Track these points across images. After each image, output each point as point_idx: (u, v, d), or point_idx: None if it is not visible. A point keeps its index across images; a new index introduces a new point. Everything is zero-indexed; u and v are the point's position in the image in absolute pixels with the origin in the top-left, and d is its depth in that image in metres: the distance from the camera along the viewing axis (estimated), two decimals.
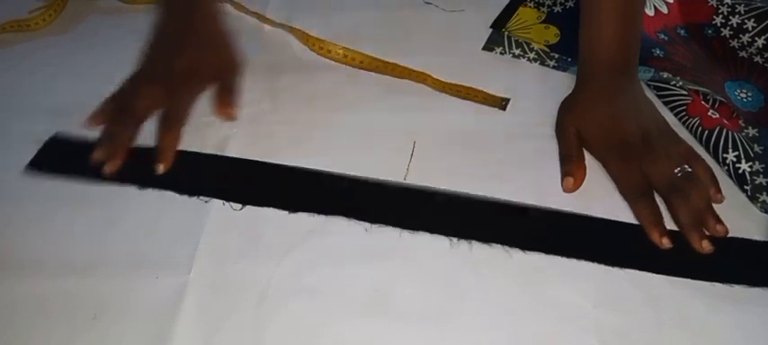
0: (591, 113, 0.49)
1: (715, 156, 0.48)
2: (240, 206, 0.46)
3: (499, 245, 0.43)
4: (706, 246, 0.43)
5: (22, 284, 0.42)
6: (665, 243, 0.43)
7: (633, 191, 0.46)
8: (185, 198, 0.47)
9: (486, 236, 0.44)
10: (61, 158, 0.50)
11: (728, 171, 0.47)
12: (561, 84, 0.56)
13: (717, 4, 0.58)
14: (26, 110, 0.55)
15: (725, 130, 0.48)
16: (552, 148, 0.50)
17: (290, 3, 0.67)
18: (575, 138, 0.49)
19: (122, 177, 0.48)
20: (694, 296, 0.41)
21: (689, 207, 0.44)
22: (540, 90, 0.56)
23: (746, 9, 0.57)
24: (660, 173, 0.45)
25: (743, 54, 0.56)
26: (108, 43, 0.63)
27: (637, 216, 0.45)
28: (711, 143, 0.48)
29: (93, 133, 0.51)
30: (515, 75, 0.58)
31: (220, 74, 0.55)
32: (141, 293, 0.42)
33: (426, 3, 0.66)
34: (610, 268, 0.42)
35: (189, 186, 0.48)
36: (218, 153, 0.51)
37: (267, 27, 0.63)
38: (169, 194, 0.48)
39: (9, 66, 0.60)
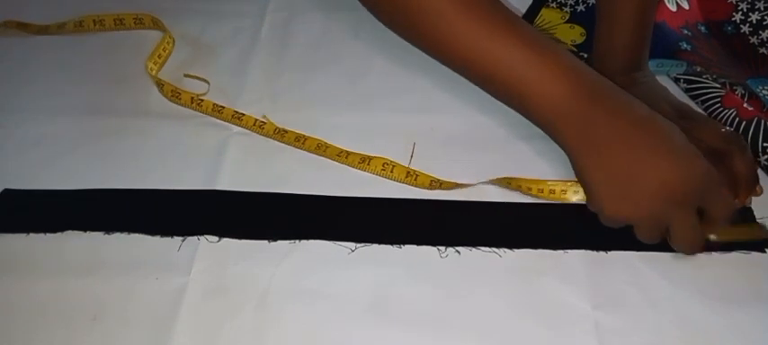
0: None
1: (753, 146, 0.48)
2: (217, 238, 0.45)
3: (486, 248, 0.44)
4: (748, 203, 0.45)
5: (21, 285, 0.42)
6: (737, 204, 0.44)
7: None
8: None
9: (472, 241, 0.44)
10: (15, 214, 0.46)
11: (762, 164, 0.48)
12: None
13: (736, 1, 0.58)
14: (26, 110, 0.55)
15: (763, 121, 0.48)
16: (552, 149, 0.50)
17: (290, 3, 0.67)
18: None
19: (86, 224, 0.45)
20: (694, 297, 0.41)
21: (748, 161, 0.45)
22: None
23: (766, 5, 0.56)
24: (713, 134, 0.46)
25: (763, 51, 0.55)
26: (109, 43, 0.63)
27: None
28: (750, 133, 0.48)
29: (44, 183, 0.48)
30: None
31: None
32: (141, 294, 0.41)
33: None
34: (609, 269, 0.42)
35: (161, 226, 0.45)
36: (218, 153, 0.51)
37: (265, 28, 0.64)
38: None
39: (9, 66, 0.60)
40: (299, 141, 0.51)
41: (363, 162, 0.49)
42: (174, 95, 0.55)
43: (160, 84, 0.56)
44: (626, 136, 0.39)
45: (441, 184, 0.48)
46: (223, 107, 0.54)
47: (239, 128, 0.53)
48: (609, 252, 0.43)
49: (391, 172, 0.49)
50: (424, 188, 0.48)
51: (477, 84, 0.42)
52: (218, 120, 0.53)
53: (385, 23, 0.42)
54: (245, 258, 0.43)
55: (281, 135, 0.52)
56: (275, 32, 0.63)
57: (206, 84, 0.56)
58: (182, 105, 0.55)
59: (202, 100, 0.54)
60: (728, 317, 0.40)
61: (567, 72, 0.40)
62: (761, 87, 0.51)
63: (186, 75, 0.57)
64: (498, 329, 0.40)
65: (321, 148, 0.51)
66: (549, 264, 0.43)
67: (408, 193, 0.47)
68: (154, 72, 0.57)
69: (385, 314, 0.40)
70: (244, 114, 0.53)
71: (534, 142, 0.51)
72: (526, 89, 0.40)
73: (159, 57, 0.59)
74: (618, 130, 0.39)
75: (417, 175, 0.48)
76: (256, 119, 0.53)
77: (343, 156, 0.50)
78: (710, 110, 0.52)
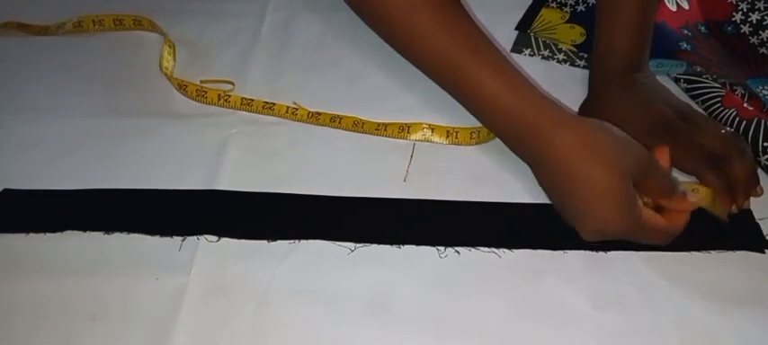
0: (623, 110, 0.49)
1: (753, 146, 0.48)
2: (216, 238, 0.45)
3: (486, 248, 0.44)
4: (747, 205, 0.45)
5: (22, 285, 0.42)
6: (734, 209, 0.45)
7: (700, 163, 0.46)
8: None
9: (472, 241, 0.44)
10: (15, 214, 0.46)
11: (762, 164, 0.48)
12: (559, 82, 0.56)
13: (736, 1, 0.58)
14: (26, 110, 0.55)
15: (763, 121, 0.49)
16: None
17: (290, 3, 0.67)
18: None
19: (86, 224, 0.45)
20: (693, 297, 0.41)
21: (747, 164, 0.45)
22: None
23: (766, 5, 0.56)
24: (713, 137, 0.46)
25: (763, 51, 0.56)
26: (108, 43, 0.63)
27: (710, 185, 0.45)
28: (750, 132, 0.49)
29: (44, 183, 0.48)
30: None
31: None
32: (141, 294, 0.41)
33: None
34: (609, 269, 0.42)
35: (161, 226, 0.45)
36: (218, 153, 0.51)
37: (265, 28, 0.64)
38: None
39: (9, 66, 0.60)
40: (335, 121, 0.52)
41: (402, 130, 0.51)
42: (200, 95, 0.55)
43: (183, 86, 0.56)
44: (572, 162, 0.39)
45: (479, 133, 0.51)
46: (252, 99, 0.54)
47: (241, 127, 0.53)
48: (609, 252, 0.43)
49: (432, 133, 0.52)
50: (467, 143, 0.51)
51: (447, 90, 0.42)
52: (218, 120, 0.54)
53: (369, 26, 0.44)
54: (245, 258, 0.43)
55: (315, 118, 0.53)
56: (275, 32, 0.63)
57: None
58: (208, 104, 0.55)
59: (230, 95, 0.55)
60: (728, 317, 0.40)
61: (530, 91, 0.40)
62: (761, 87, 0.52)
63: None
64: (498, 329, 0.40)
65: (358, 125, 0.52)
66: (549, 264, 0.43)
67: (408, 193, 0.47)
68: (170, 72, 0.57)
69: (385, 314, 0.40)
70: (275, 103, 0.54)
71: None
72: (494, 101, 0.40)
73: (167, 62, 0.59)
74: (569, 153, 0.39)
75: (458, 132, 0.51)
76: (288, 107, 0.54)
77: (381, 129, 0.52)
78: (710, 110, 0.52)
